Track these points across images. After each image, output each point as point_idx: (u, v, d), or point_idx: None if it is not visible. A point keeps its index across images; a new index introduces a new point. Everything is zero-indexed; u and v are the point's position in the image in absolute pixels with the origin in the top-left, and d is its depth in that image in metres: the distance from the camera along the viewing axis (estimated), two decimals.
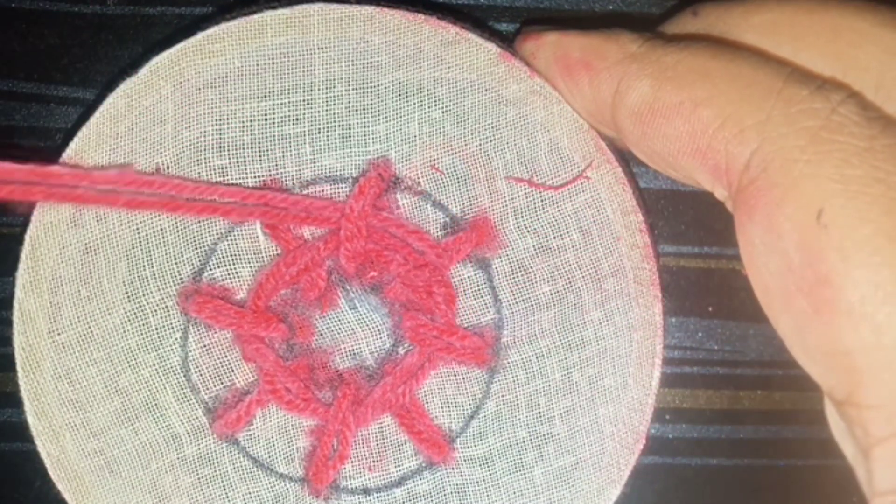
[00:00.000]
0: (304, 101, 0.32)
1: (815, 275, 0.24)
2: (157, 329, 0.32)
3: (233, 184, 0.32)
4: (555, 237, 0.33)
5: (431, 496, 0.33)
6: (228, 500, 0.33)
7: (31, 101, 0.36)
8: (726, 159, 0.26)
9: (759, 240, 0.25)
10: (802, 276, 0.24)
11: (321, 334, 0.33)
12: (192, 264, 0.32)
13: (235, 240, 0.32)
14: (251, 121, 0.32)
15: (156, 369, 0.32)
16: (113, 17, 0.37)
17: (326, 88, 0.32)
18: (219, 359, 0.32)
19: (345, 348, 0.33)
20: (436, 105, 0.32)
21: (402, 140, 0.32)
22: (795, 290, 0.24)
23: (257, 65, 0.31)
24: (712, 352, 0.40)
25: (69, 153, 0.31)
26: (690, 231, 0.39)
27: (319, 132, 0.32)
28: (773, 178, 0.25)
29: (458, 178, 0.33)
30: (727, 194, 0.27)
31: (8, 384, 0.33)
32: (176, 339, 0.32)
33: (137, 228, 0.32)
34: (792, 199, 0.24)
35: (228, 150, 0.32)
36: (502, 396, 0.33)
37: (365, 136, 0.32)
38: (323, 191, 0.32)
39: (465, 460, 0.33)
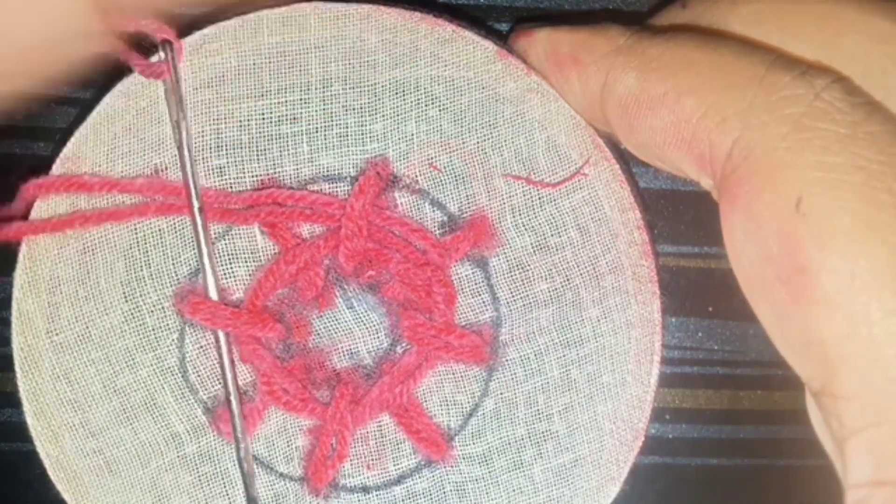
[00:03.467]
0: (301, 100, 0.32)
1: (793, 264, 0.24)
2: (154, 330, 0.32)
3: (232, 185, 0.32)
4: (552, 235, 0.33)
5: (430, 494, 0.33)
6: (228, 499, 0.32)
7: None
8: (709, 148, 0.26)
9: (741, 228, 0.25)
10: (781, 264, 0.24)
11: (318, 334, 0.33)
12: (190, 265, 0.32)
13: (233, 239, 0.32)
14: (248, 120, 0.32)
15: (154, 369, 0.32)
16: None
17: (323, 87, 0.32)
18: (216, 359, 0.32)
19: (342, 348, 0.33)
20: (433, 103, 0.32)
21: (399, 138, 0.32)
22: (774, 279, 0.24)
23: (254, 64, 0.31)
24: (712, 352, 0.40)
25: (66, 153, 0.31)
26: (690, 231, 0.39)
27: (317, 131, 0.32)
28: (753, 166, 0.25)
29: (455, 177, 0.33)
30: (713, 183, 0.27)
31: (7, 384, 0.33)
32: (173, 339, 0.32)
33: (135, 229, 0.32)
34: (771, 188, 0.24)
35: (226, 150, 0.32)
36: (501, 394, 0.33)
37: (362, 134, 0.32)
38: (321, 190, 0.32)
39: (463, 458, 0.33)
